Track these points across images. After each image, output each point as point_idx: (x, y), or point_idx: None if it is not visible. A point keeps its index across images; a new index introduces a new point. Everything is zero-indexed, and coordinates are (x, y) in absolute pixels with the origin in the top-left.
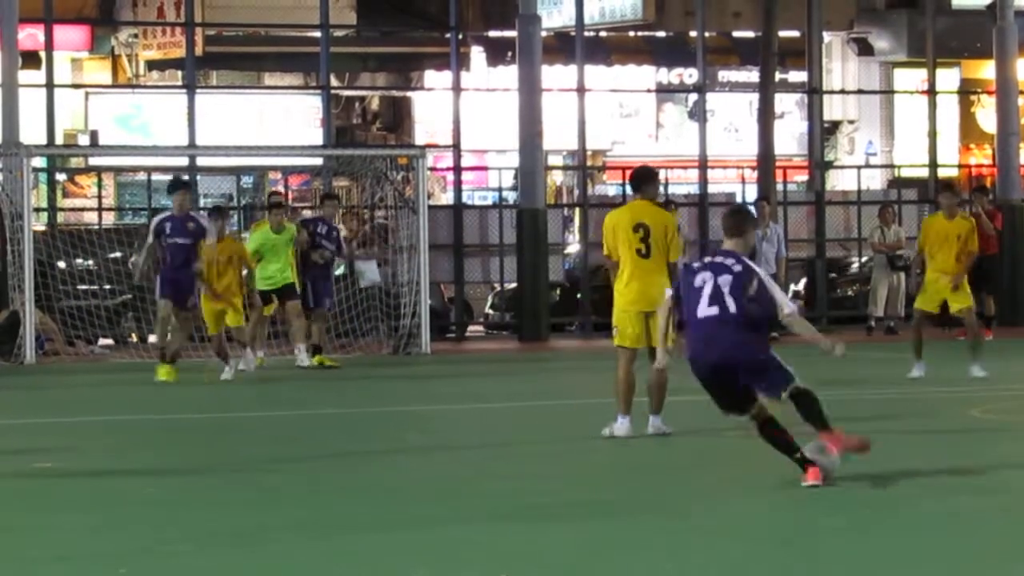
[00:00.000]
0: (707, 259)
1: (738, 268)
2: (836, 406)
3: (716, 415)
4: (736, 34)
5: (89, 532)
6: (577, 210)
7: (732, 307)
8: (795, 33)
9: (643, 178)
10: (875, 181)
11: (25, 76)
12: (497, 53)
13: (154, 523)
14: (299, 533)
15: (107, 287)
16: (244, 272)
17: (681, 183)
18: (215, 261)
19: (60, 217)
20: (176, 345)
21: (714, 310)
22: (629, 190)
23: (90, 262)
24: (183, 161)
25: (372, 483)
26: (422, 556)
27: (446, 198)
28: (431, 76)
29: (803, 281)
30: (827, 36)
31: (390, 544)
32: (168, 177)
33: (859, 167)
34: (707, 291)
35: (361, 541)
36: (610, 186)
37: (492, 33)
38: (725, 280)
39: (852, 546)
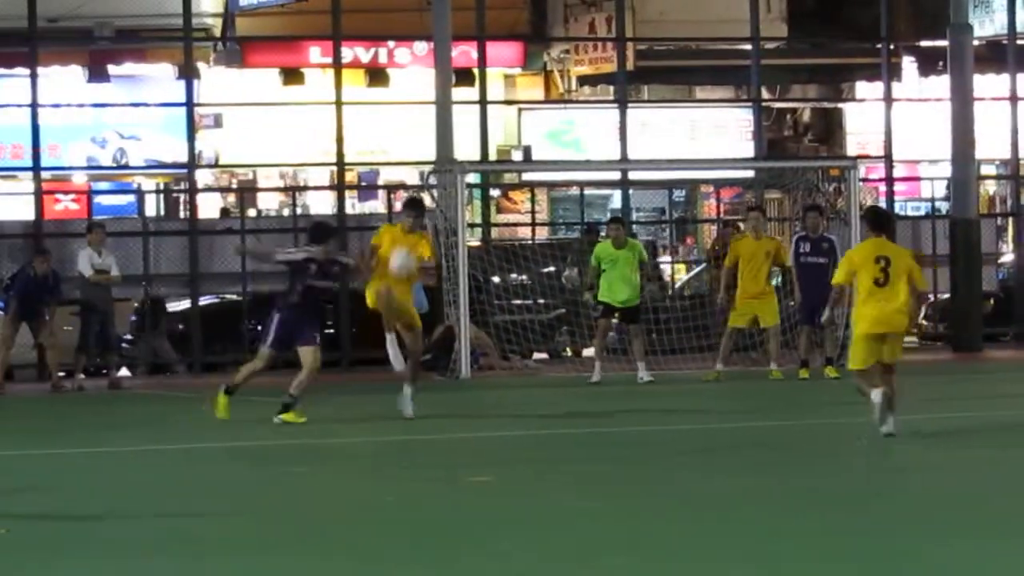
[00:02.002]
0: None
1: None
2: None
3: None
4: None
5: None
6: (1010, 219)
7: None
8: None
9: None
10: None
11: (459, 93)
12: (928, 63)
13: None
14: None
15: (541, 301)
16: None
17: None
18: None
19: (494, 232)
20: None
21: None
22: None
23: (524, 277)
24: (615, 175)
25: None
26: None
27: None
28: (862, 87)
29: None
30: None
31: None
32: (602, 192)
33: None
34: None
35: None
36: None
37: (923, 43)
38: None
39: None
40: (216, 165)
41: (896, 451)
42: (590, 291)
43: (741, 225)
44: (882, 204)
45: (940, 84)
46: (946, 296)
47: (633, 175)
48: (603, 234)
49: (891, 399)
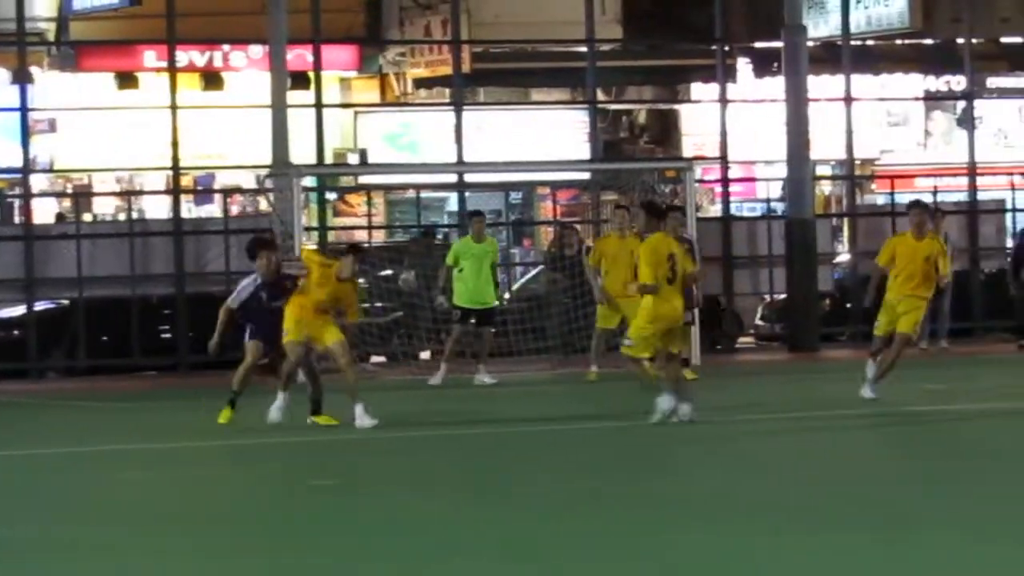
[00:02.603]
0: None
1: None
2: None
3: None
4: (1005, 40)
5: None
6: (846, 220)
7: None
8: None
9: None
10: None
11: (294, 96)
12: (763, 64)
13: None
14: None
15: (378, 305)
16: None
17: (950, 191)
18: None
19: (331, 236)
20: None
21: None
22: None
23: (361, 280)
24: (451, 178)
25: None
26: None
27: (714, 210)
28: (698, 88)
29: None
30: None
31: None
32: (439, 194)
33: None
34: None
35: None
36: (879, 195)
37: (758, 44)
38: None
39: None
40: (51, 170)
41: (745, 452)
42: (444, 294)
43: (578, 227)
44: (718, 205)
45: (775, 85)
46: (782, 296)
47: (470, 177)
48: (463, 234)
49: (683, 387)
